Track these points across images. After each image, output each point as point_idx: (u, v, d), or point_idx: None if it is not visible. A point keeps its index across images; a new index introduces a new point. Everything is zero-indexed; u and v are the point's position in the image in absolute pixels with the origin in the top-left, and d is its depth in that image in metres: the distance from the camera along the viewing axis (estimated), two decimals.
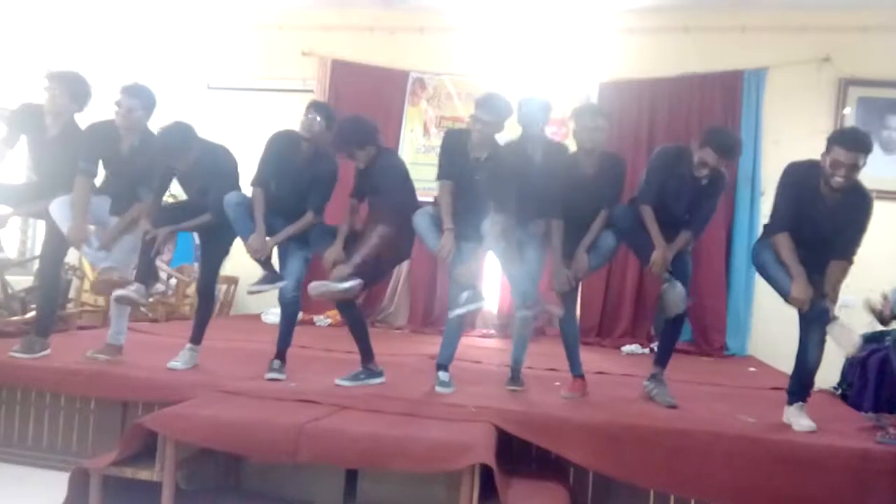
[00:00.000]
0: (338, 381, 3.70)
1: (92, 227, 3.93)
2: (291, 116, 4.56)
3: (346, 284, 3.59)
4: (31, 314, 5.23)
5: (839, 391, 4.59)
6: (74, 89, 3.88)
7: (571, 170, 3.69)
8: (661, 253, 3.48)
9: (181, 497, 3.00)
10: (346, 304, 3.78)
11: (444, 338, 3.90)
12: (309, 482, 3.23)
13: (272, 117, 7.17)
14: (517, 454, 3.29)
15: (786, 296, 3.27)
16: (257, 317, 6.70)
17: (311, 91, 7.19)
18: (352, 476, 3.16)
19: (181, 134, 3.77)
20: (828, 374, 4.97)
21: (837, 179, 3.12)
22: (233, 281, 7.02)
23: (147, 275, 3.90)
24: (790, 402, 3.35)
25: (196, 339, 3.99)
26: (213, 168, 3.83)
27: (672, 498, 3.14)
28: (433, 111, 7.16)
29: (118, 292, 3.78)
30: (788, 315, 3.45)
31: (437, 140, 6.98)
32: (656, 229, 3.52)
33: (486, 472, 2.80)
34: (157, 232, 3.77)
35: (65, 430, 3.75)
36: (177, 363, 3.86)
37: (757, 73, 6.56)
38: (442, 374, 3.78)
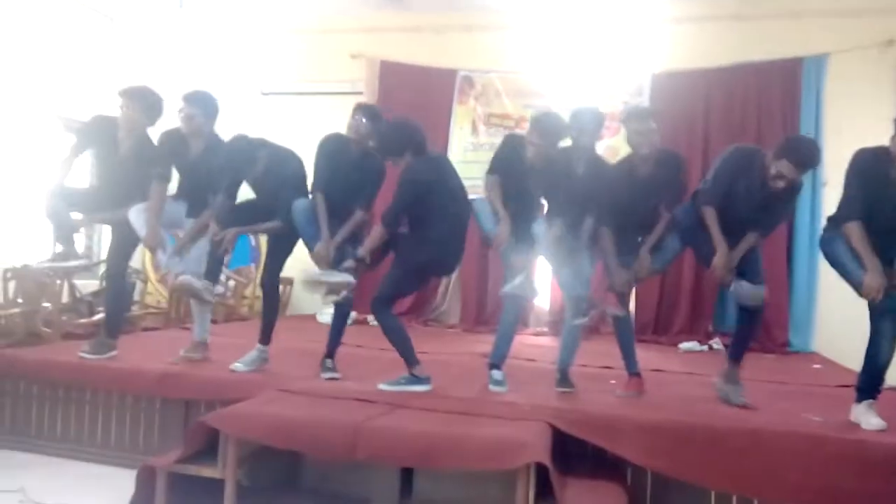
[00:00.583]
0: (380, 386, 3.62)
1: (166, 236, 4.07)
2: (343, 118, 4.61)
3: (338, 277, 3.63)
4: (99, 316, 5.43)
5: None
6: (146, 104, 4.01)
7: (626, 176, 3.63)
8: (722, 258, 3.38)
9: (243, 493, 3.07)
10: (380, 310, 3.69)
11: (497, 337, 3.89)
12: (366, 480, 3.26)
13: (324, 120, 7.25)
14: (573, 453, 3.26)
15: (858, 287, 3.16)
16: (312, 317, 6.80)
17: (360, 93, 7.26)
18: (408, 473, 3.18)
19: (245, 148, 3.87)
20: None
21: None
22: (288, 281, 7.13)
23: (214, 274, 4.04)
24: (859, 400, 3.23)
25: (264, 339, 4.03)
26: (281, 174, 3.91)
27: (734, 498, 3.07)
28: (482, 109, 7.15)
29: (183, 279, 3.89)
30: (855, 309, 3.33)
31: (485, 138, 6.98)
32: (718, 231, 3.41)
33: (541, 472, 2.79)
34: (224, 233, 3.86)
35: (131, 428, 3.88)
36: (239, 365, 3.91)
37: (817, 60, 6.34)
38: (496, 373, 3.77)
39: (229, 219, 3.92)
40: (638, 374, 3.76)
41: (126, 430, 3.89)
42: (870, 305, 3.17)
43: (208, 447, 3.11)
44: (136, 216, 3.96)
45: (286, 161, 3.98)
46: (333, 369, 3.90)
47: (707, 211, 3.45)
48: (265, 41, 7.71)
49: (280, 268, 4.12)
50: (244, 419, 3.11)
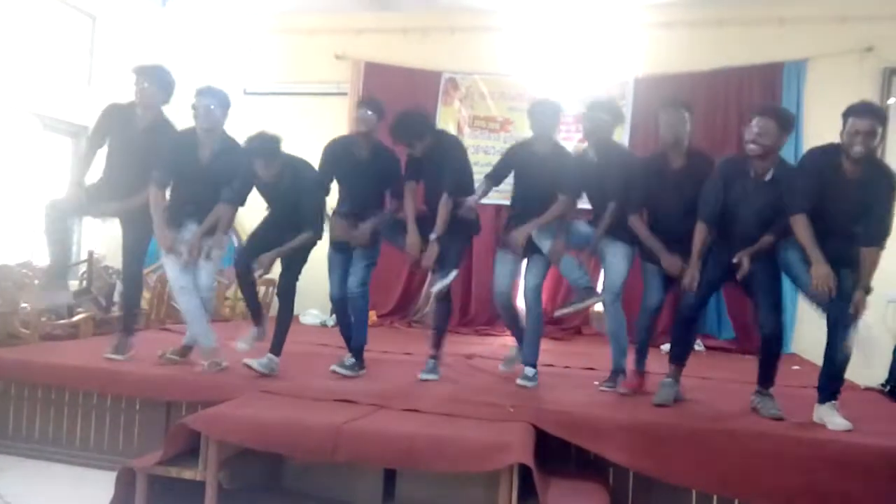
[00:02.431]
0: (422, 377, 3.92)
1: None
2: (326, 119, 4.66)
3: (452, 275, 3.86)
4: (79, 317, 5.37)
5: (887, 388, 4.48)
6: (161, 80, 4.04)
7: (657, 170, 3.67)
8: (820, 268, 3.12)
9: (224, 496, 3.05)
10: (445, 297, 4.01)
11: (525, 336, 3.96)
12: (348, 481, 3.25)
13: (308, 120, 7.28)
14: (556, 454, 3.27)
15: (807, 290, 3.22)
16: (295, 318, 6.75)
17: (345, 94, 7.26)
18: (390, 475, 3.18)
19: (270, 142, 3.82)
20: (876, 371, 4.86)
21: (857, 149, 3.11)
22: (272, 283, 7.09)
23: (260, 314, 4.13)
24: (821, 401, 3.27)
25: (276, 349, 3.97)
26: (297, 182, 3.90)
27: (715, 498, 3.10)
28: (466, 111, 7.16)
29: (244, 358, 3.87)
30: None
31: (470, 140, 6.99)
32: (810, 240, 3.16)
33: (524, 472, 2.80)
34: (260, 260, 3.90)
35: (111, 430, 3.84)
36: (252, 362, 3.83)
37: (797, 65, 6.42)
38: (528, 370, 3.85)
39: (256, 246, 3.97)
40: (641, 374, 3.83)
41: (106, 432, 3.85)
42: (824, 312, 3.21)
43: (189, 449, 3.09)
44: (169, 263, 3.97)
45: (300, 169, 3.97)
46: (353, 368, 3.97)
47: (699, 227, 3.43)
48: (249, 41, 7.68)
49: (297, 276, 4.06)
50: (225, 421, 3.09)
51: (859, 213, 3.17)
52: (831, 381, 3.28)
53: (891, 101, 6.19)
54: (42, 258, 4.27)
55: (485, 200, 4.28)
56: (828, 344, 3.24)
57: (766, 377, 3.50)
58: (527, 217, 3.82)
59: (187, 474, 3.04)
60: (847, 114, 3.18)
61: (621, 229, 3.75)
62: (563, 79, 6.78)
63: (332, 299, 4.19)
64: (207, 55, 7.64)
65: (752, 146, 3.33)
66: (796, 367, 5.40)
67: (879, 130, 3.13)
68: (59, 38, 6.60)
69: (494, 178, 4.02)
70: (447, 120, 7.14)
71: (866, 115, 3.12)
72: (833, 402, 3.24)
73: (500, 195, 4.64)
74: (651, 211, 3.72)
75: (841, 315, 3.15)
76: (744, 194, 3.41)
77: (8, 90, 5.99)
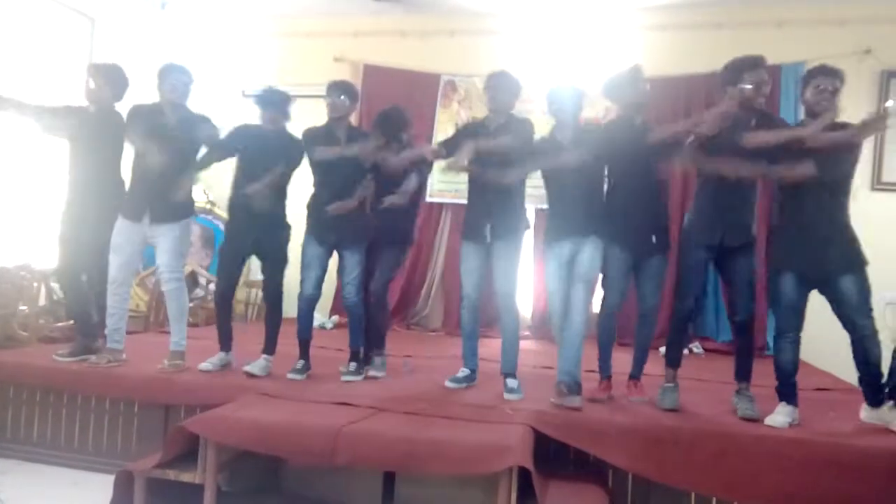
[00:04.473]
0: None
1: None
2: (325, 121, 4.65)
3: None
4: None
5: (887, 389, 4.46)
6: (112, 78, 4.21)
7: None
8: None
9: (223, 498, 3.05)
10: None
11: (503, 346, 3.84)
12: (348, 484, 3.25)
13: (306, 122, 7.28)
14: (555, 456, 3.27)
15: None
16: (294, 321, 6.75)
17: None
18: (389, 478, 3.18)
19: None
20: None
21: (824, 104, 3.27)
22: (256, 285, 7.08)
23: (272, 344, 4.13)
24: (875, 405, 3.26)
25: (269, 349, 4.07)
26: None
27: (714, 500, 3.10)
28: (465, 113, 7.16)
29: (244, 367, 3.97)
30: (831, 313, 3.38)
31: None
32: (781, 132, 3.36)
33: (523, 475, 2.80)
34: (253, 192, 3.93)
35: (109, 433, 3.84)
36: (252, 368, 3.92)
37: (795, 68, 6.41)
38: (510, 381, 3.72)
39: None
40: (609, 378, 3.79)
41: (104, 435, 3.84)
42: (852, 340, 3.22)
43: (188, 452, 3.09)
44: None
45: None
46: (355, 373, 3.99)
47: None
48: (248, 43, 7.68)
49: (282, 277, 4.14)
50: (224, 424, 3.09)
51: (835, 162, 3.25)
52: (875, 383, 3.25)
53: (889, 103, 6.20)
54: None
55: (455, 200, 4.29)
56: (856, 353, 3.23)
57: (745, 371, 3.52)
58: (484, 202, 3.74)
59: (186, 477, 3.04)
60: (812, 75, 3.36)
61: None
62: (561, 81, 6.77)
63: (305, 298, 4.05)
64: (206, 57, 7.64)
65: (756, 100, 3.50)
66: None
67: (840, 86, 3.33)
68: (58, 41, 6.60)
69: (446, 145, 3.89)
70: (445, 122, 7.14)
71: (834, 75, 3.32)
72: (892, 402, 3.21)
73: (462, 196, 4.66)
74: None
75: (864, 333, 3.16)
76: (727, 141, 3.47)
77: (6, 92, 5.98)
